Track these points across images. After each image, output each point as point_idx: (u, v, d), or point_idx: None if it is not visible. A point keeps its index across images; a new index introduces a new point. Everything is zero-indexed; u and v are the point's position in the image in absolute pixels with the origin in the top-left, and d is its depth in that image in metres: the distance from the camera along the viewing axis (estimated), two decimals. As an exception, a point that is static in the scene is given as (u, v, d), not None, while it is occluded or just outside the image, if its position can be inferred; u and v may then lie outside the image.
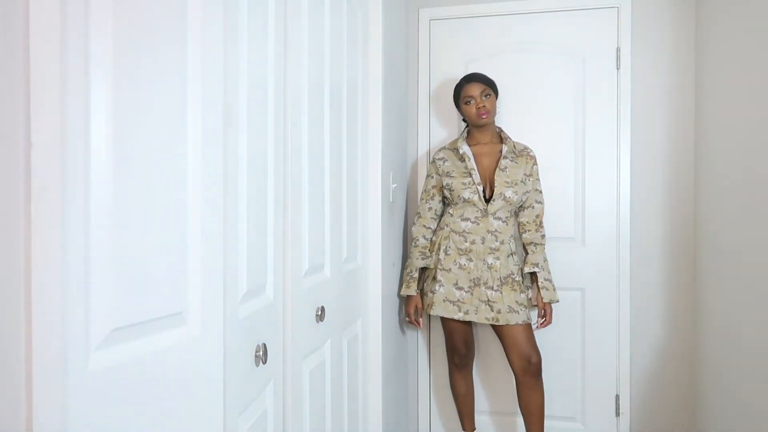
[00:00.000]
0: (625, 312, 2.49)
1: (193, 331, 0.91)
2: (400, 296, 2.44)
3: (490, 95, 2.28)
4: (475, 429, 2.51)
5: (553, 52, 2.56)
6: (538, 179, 2.35)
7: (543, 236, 2.33)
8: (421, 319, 2.37)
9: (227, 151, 0.98)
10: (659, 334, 2.48)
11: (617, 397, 2.51)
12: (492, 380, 2.62)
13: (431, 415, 2.71)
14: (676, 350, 2.46)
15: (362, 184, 1.97)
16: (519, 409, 2.56)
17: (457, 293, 2.25)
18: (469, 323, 2.36)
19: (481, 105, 2.25)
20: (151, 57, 0.81)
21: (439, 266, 2.28)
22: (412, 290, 2.32)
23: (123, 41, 0.76)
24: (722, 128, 2.14)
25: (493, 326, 2.25)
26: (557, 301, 2.30)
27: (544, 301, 2.27)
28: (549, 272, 2.31)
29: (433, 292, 2.28)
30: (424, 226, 2.38)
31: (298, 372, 1.39)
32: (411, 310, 2.34)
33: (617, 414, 2.51)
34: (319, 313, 1.52)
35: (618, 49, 2.50)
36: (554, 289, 2.30)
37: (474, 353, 2.46)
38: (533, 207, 2.33)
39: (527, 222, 2.32)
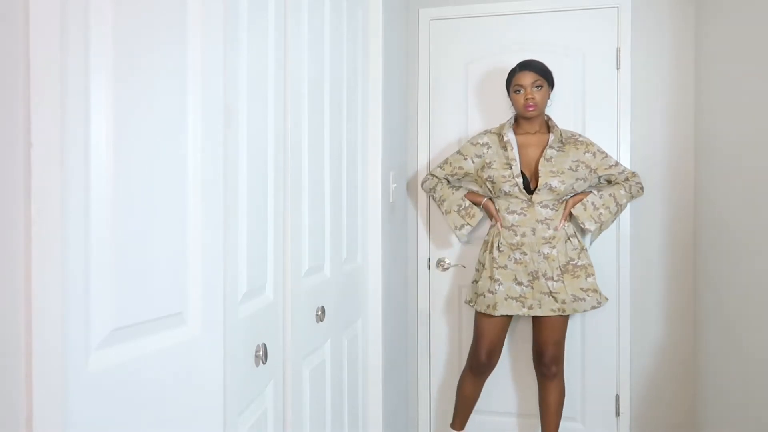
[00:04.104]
0: (625, 312, 2.49)
1: (193, 331, 0.91)
2: (461, 237, 2.35)
3: (542, 87, 2.19)
4: (463, 430, 2.45)
5: (553, 52, 2.56)
6: (606, 155, 2.27)
7: (632, 185, 2.25)
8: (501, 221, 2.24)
9: (227, 151, 0.98)
10: (659, 334, 2.48)
11: (617, 397, 2.51)
12: (492, 380, 2.61)
13: (431, 415, 2.70)
14: (676, 350, 2.46)
15: (362, 184, 1.97)
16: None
17: (518, 289, 2.17)
18: (504, 330, 2.27)
19: (530, 96, 2.17)
20: (151, 57, 0.81)
21: (495, 265, 2.19)
22: (476, 220, 2.26)
23: (123, 41, 0.76)
24: (722, 128, 2.14)
25: (533, 318, 2.24)
26: (590, 231, 2.21)
27: (574, 211, 2.19)
28: (607, 207, 2.20)
29: (493, 293, 2.18)
30: (437, 177, 2.38)
31: (298, 372, 1.39)
32: (494, 211, 2.25)
33: (617, 414, 2.51)
34: (319, 313, 1.52)
35: (618, 49, 2.49)
36: (593, 220, 2.19)
37: (494, 366, 2.32)
38: (618, 176, 2.27)
39: (617, 180, 2.27)
